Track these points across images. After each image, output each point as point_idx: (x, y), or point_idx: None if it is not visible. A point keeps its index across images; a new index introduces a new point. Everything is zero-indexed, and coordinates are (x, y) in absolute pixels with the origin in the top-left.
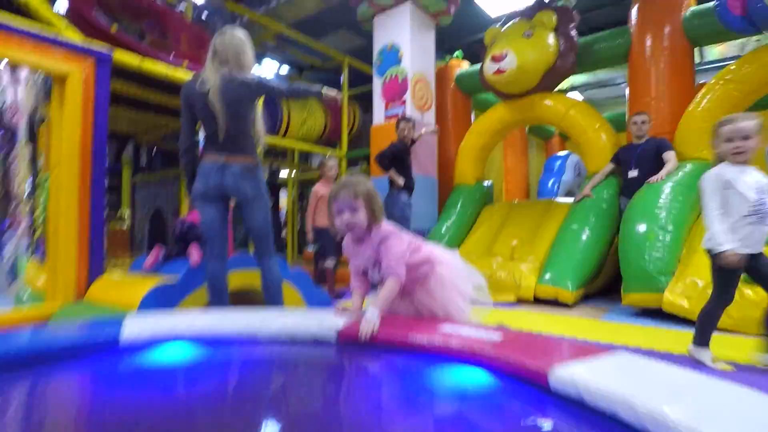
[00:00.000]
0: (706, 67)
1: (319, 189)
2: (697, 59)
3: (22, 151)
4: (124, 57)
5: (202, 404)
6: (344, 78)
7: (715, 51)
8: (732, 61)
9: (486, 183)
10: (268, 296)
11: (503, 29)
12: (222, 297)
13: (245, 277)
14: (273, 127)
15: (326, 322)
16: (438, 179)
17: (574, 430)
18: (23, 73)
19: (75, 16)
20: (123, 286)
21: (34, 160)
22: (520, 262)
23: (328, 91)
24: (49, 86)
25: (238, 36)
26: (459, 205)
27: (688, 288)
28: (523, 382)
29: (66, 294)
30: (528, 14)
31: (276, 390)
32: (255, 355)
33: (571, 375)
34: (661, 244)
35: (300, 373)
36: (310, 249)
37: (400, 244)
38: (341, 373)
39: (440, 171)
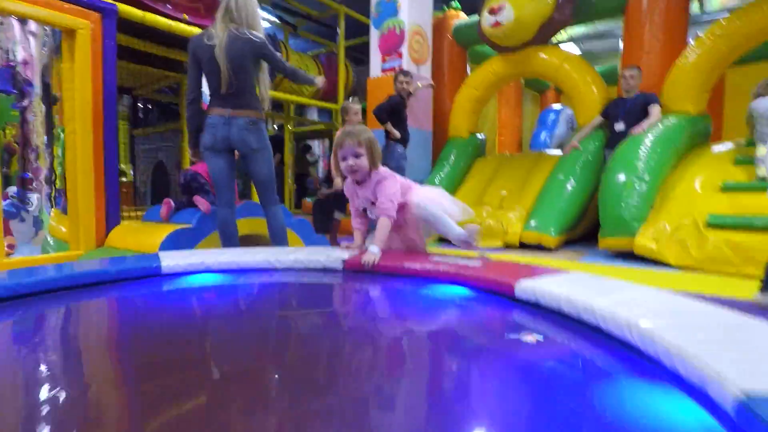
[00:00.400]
0: (708, 19)
1: None
2: (697, 10)
3: (37, 106)
4: (128, 9)
5: (230, 311)
6: (340, 29)
7: (716, 2)
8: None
9: (479, 136)
10: (274, 240)
11: None
12: (233, 241)
13: (252, 223)
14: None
15: (334, 254)
16: (433, 132)
17: (531, 322)
18: (33, 28)
19: None
20: (140, 233)
21: (49, 113)
22: (508, 211)
23: (319, 81)
24: (59, 41)
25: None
26: (452, 158)
27: (658, 232)
28: (495, 294)
29: (88, 241)
30: None
31: (291, 303)
32: (274, 279)
33: (530, 285)
34: (637, 192)
35: (311, 292)
36: (307, 200)
37: (393, 185)
38: (347, 292)
39: (435, 123)
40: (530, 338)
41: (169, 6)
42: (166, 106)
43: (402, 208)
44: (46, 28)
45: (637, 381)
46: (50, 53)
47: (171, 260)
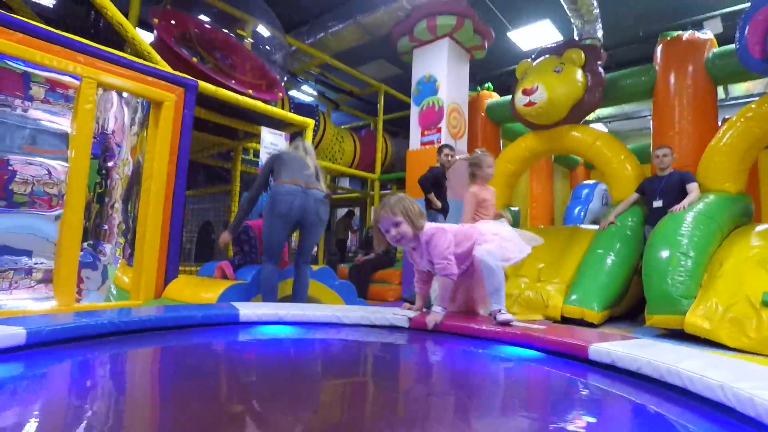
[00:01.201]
0: (732, 102)
1: (479, 192)
2: (722, 95)
3: (122, 167)
4: (205, 85)
5: (301, 360)
6: (380, 103)
7: (740, 87)
8: (756, 98)
9: (513, 209)
10: (299, 292)
11: (534, 64)
12: (273, 295)
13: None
14: None
15: (399, 312)
16: None
17: (610, 385)
18: (126, 99)
19: (160, 47)
20: (197, 287)
21: (135, 173)
22: (546, 284)
23: None
24: (147, 110)
25: (310, 144)
26: None
27: (709, 311)
28: (567, 357)
29: (147, 292)
30: (558, 51)
31: (357, 359)
32: (341, 335)
33: (606, 348)
34: (683, 268)
35: (377, 349)
36: (342, 266)
37: (443, 240)
38: (413, 349)
39: None
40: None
41: (233, 82)
42: (213, 169)
43: (467, 256)
44: (139, 100)
45: None
46: (140, 124)
47: (248, 310)
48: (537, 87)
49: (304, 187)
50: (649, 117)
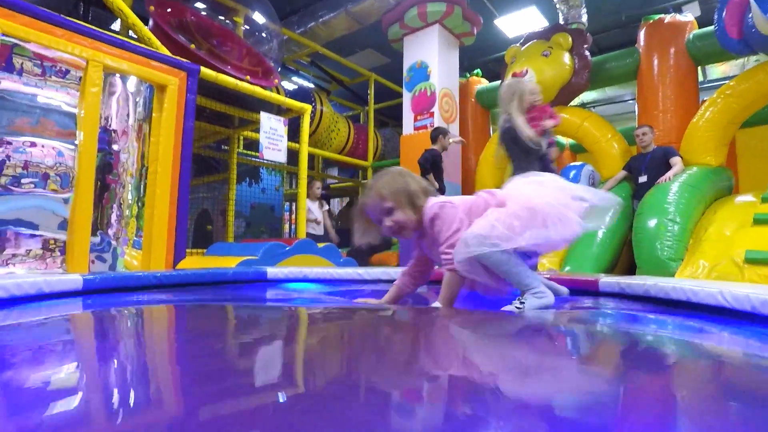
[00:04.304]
0: (710, 85)
1: None
2: (701, 78)
3: (130, 150)
4: (206, 70)
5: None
6: (370, 92)
7: (717, 70)
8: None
9: None
10: None
11: (523, 48)
12: None
13: (305, 259)
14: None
15: None
16: (461, 187)
17: (619, 303)
18: (132, 84)
19: (157, 34)
20: (209, 264)
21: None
22: (542, 257)
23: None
24: (150, 95)
25: (504, 86)
26: None
27: (696, 271)
28: (579, 293)
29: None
30: (545, 36)
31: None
32: (363, 286)
33: (615, 279)
34: (671, 233)
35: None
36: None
37: (450, 218)
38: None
39: (462, 178)
40: None
41: (230, 68)
42: (203, 159)
43: None
44: (142, 88)
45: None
46: (145, 105)
47: (274, 270)
48: (526, 70)
49: None
50: (631, 101)
